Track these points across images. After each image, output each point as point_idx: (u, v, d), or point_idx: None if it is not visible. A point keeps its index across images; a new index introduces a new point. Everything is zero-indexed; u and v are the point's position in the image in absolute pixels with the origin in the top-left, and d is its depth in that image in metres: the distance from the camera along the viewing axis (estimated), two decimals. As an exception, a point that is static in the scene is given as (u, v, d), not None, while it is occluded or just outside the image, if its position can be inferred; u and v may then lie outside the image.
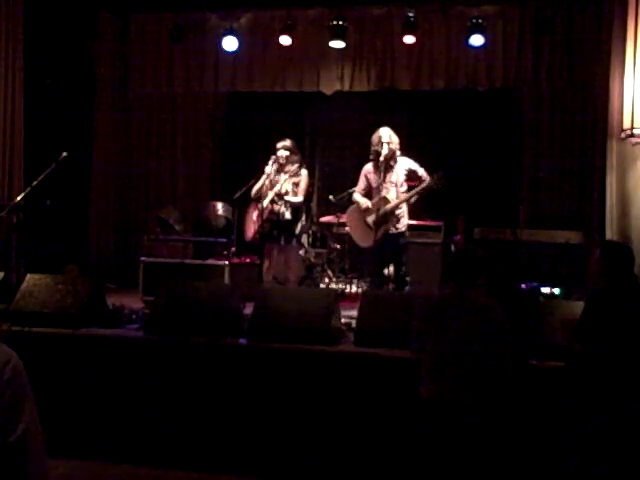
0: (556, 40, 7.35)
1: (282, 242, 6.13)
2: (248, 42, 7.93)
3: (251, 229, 6.24)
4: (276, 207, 6.04)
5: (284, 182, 6.03)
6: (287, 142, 6.13)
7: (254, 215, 6.14)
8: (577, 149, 7.58)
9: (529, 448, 3.75)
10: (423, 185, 5.74)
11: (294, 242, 6.24)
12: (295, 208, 6.12)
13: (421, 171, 5.81)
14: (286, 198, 6.04)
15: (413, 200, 5.84)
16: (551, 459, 3.64)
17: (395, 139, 5.81)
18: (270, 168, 6.11)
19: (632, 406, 3.13)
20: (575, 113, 7.56)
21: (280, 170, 6.10)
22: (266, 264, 6.15)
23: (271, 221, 6.06)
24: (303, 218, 6.35)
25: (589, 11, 7.27)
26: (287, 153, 6.09)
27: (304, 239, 6.57)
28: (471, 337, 3.36)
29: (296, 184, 6.09)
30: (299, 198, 6.10)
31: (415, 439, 3.54)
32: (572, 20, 7.33)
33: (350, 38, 7.64)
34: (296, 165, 6.12)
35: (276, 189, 6.00)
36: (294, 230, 6.17)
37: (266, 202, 6.01)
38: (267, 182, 6.08)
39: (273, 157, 6.11)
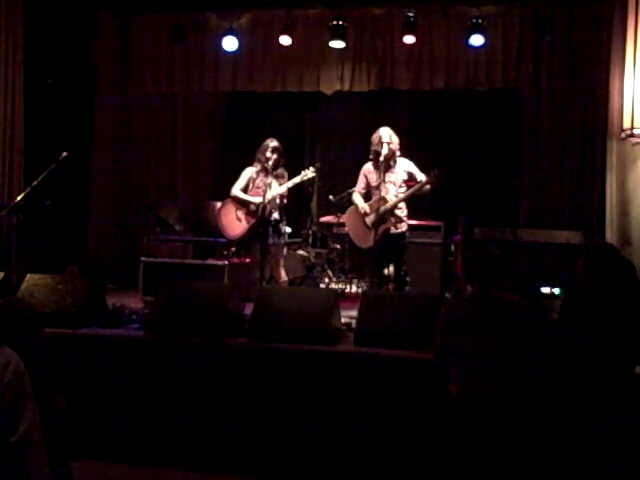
0: (556, 40, 7.34)
1: (270, 241, 6.18)
2: (248, 42, 7.92)
3: (235, 228, 6.23)
4: (268, 207, 6.08)
5: (275, 184, 6.09)
6: (277, 144, 6.17)
7: (238, 214, 6.18)
8: (577, 149, 7.57)
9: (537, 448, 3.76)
10: (421, 183, 5.75)
11: (282, 240, 6.30)
12: (281, 207, 6.19)
13: (420, 176, 5.80)
14: (284, 200, 6.13)
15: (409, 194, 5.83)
16: (553, 459, 3.65)
17: (395, 139, 5.82)
18: (254, 169, 6.20)
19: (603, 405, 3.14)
20: (575, 113, 7.56)
21: (269, 171, 6.12)
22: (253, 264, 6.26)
23: (263, 221, 6.10)
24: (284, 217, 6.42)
25: (589, 11, 7.26)
26: (277, 156, 6.13)
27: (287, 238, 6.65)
28: (500, 335, 3.38)
29: (282, 185, 6.15)
30: (285, 200, 6.20)
31: (415, 437, 3.55)
32: (572, 20, 7.32)
33: (350, 38, 7.63)
34: (282, 168, 6.21)
35: (280, 190, 6.03)
36: (281, 229, 6.23)
37: (266, 201, 6.04)
38: (259, 182, 6.14)
39: (261, 158, 6.14)
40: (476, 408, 3.34)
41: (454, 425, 3.42)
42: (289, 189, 6.14)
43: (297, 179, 6.12)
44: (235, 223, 6.21)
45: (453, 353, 3.47)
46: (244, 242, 6.61)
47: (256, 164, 6.23)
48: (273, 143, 6.15)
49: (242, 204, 6.17)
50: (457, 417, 3.41)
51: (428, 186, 5.73)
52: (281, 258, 6.32)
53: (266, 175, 6.11)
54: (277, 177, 6.13)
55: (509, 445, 3.30)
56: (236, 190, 6.20)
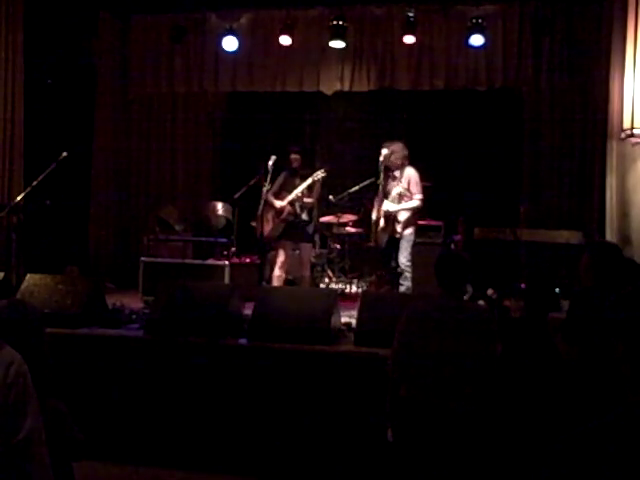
0: (556, 40, 7.34)
1: (297, 242, 6.40)
2: (248, 42, 7.93)
3: (265, 228, 6.39)
4: (294, 209, 6.27)
5: (301, 185, 6.25)
6: (296, 147, 6.47)
7: (267, 216, 6.38)
8: (577, 149, 7.58)
9: (508, 452, 3.73)
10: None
11: (308, 242, 6.53)
12: (310, 209, 6.38)
13: (413, 188, 6.00)
14: (305, 200, 6.28)
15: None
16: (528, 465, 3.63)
17: (384, 151, 6.00)
18: (285, 173, 6.42)
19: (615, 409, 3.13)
20: (575, 113, 7.56)
21: (295, 174, 6.26)
22: (280, 261, 6.38)
23: (288, 222, 6.30)
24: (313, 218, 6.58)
25: (589, 11, 7.27)
26: (298, 156, 6.39)
27: (316, 238, 6.77)
28: (455, 342, 3.36)
29: (309, 187, 6.30)
30: (312, 200, 6.37)
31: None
32: (572, 20, 7.33)
33: (350, 38, 7.64)
34: (308, 168, 6.43)
35: (298, 191, 6.16)
36: (309, 230, 6.44)
37: (284, 203, 6.27)
38: (288, 185, 6.35)
39: (285, 162, 6.36)
40: (420, 409, 3.32)
41: (400, 427, 3.42)
42: (311, 191, 6.32)
43: (309, 181, 6.27)
44: (265, 224, 6.41)
45: (407, 353, 3.46)
46: (271, 242, 6.67)
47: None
48: (295, 146, 6.47)
49: (271, 207, 6.38)
50: (403, 417, 3.40)
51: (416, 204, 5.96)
52: (305, 258, 6.53)
53: (292, 177, 6.32)
54: (302, 177, 6.33)
55: (453, 448, 3.27)
56: (269, 194, 6.39)
